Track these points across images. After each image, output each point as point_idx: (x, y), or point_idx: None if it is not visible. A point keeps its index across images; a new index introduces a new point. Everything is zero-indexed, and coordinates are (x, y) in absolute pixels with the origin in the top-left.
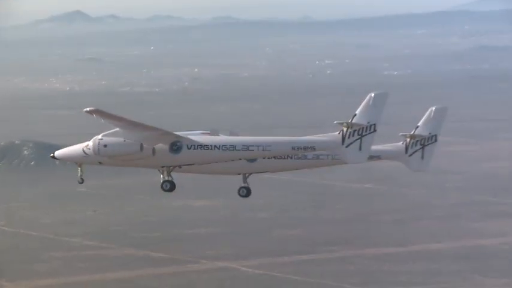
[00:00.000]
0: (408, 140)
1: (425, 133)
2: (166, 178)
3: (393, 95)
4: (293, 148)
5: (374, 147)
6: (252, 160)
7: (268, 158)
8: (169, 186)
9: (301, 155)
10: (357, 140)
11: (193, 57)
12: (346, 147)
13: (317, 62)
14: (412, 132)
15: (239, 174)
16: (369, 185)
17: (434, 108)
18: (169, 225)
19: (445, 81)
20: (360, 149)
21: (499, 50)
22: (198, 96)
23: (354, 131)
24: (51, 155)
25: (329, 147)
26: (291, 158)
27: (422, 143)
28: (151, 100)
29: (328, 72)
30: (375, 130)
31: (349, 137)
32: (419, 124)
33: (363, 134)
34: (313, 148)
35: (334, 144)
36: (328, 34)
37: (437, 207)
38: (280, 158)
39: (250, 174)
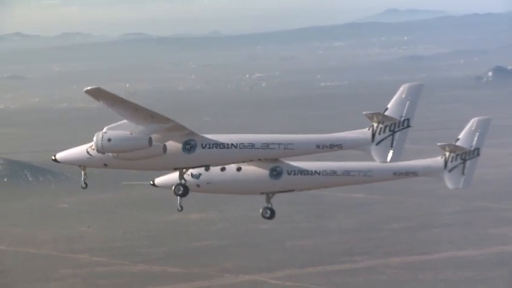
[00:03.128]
0: (448, 153)
1: (467, 146)
2: (179, 181)
3: (344, 106)
4: (318, 146)
5: (410, 163)
6: (277, 177)
7: (294, 175)
8: (183, 190)
9: (330, 171)
10: (388, 136)
11: (119, 73)
12: (377, 144)
13: (247, 75)
14: (453, 144)
15: (262, 194)
16: (361, 194)
17: (477, 119)
18: (173, 239)
19: (389, 91)
20: (392, 146)
21: (428, 59)
22: None
23: (386, 126)
24: (53, 158)
25: (358, 145)
26: (319, 174)
27: (463, 157)
28: (94, 116)
29: (264, 85)
30: (408, 126)
31: (379, 133)
32: (459, 136)
33: (395, 129)
34: (340, 146)
35: (363, 141)
36: (242, 48)
37: (443, 214)
38: (307, 174)
39: (274, 194)
